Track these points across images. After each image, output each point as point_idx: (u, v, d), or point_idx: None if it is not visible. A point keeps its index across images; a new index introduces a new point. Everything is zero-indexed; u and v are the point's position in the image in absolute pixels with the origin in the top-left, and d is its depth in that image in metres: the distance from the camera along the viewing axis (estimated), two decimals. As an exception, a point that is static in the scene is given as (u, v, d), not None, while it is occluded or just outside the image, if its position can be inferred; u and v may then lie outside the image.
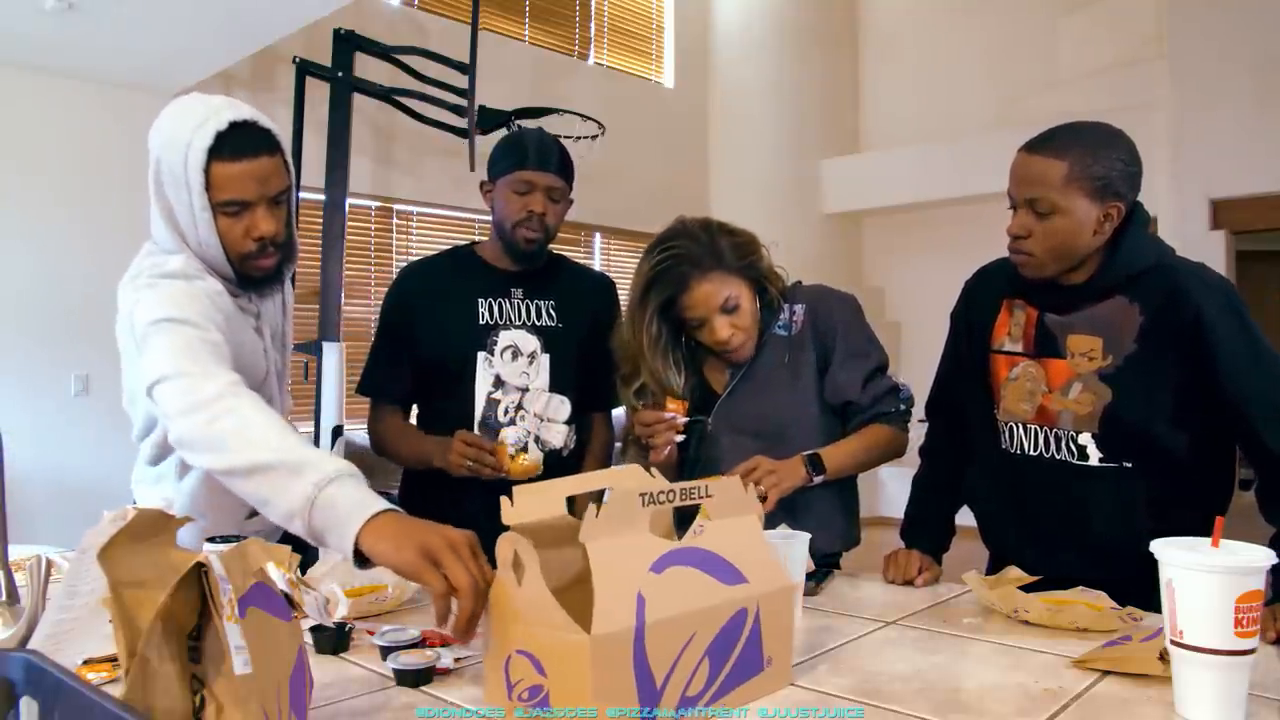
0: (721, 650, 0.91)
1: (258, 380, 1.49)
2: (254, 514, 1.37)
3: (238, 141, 1.32)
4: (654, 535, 0.93)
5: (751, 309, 1.65)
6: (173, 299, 1.32)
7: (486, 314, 1.82)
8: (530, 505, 0.98)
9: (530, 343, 1.82)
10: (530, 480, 1.35)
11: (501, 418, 1.80)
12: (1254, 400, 1.34)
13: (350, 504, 1.04)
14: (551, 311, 1.85)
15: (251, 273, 1.41)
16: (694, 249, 1.60)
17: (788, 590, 0.99)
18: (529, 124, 4.41)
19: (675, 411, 1.57)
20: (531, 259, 1.83)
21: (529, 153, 1.78)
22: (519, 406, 1.81)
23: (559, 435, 1.83)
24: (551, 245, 1.96)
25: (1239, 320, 1.36)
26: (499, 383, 1.81)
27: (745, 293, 1.63)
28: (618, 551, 0.88)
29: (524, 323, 1.83)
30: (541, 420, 1.82)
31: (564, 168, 1.81)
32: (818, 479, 1.57)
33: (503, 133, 4.49)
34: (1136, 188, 1.40)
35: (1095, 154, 1.36)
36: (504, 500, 0.97)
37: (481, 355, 1.80)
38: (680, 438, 1.58)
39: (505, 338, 1.81)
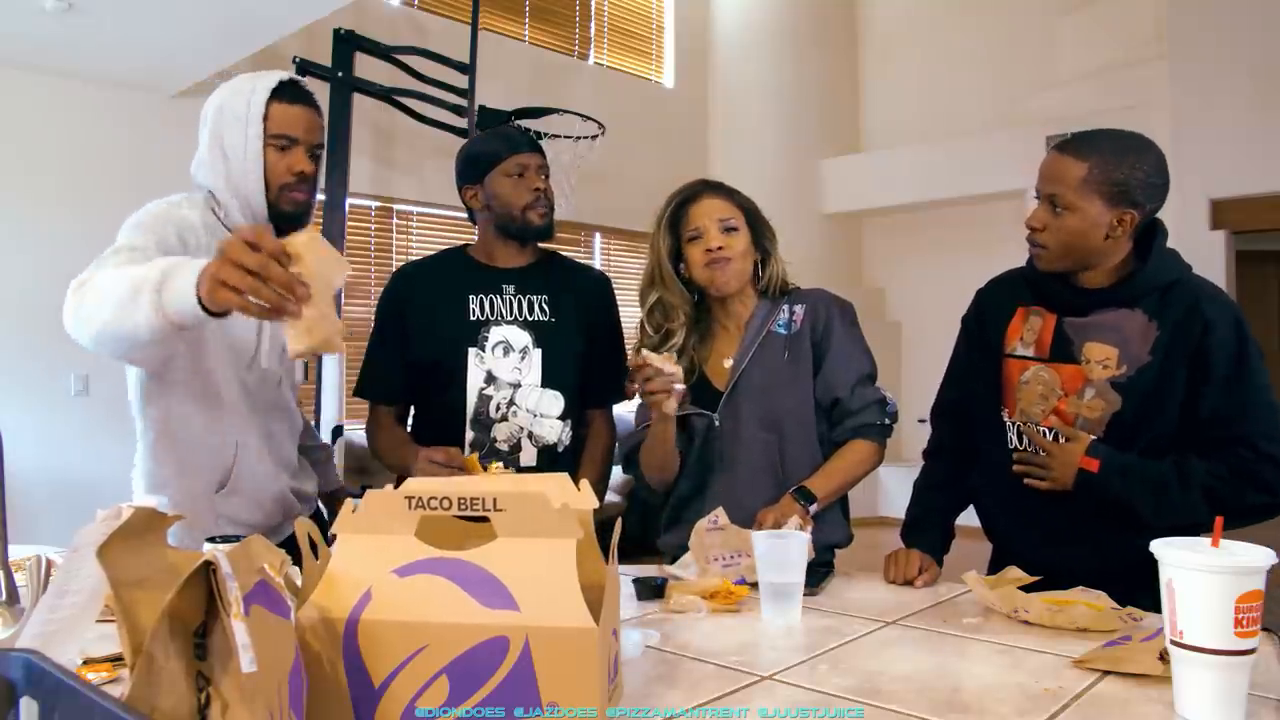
0: (467, 674, 0.83)
1: (246, 346, 1.58)
2: (223, 487, 1.56)
3: (294, 92, 1.58)
4: (416, 540, 0.88)
5: (746, 249, 1.73)
6: (139, 223, 1.47)
7: (478, 310, 1.82)
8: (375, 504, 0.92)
9: (522, 338, 1.82)
10: None
11: (494, 414, 1.80)
12: (1234, 421, 1.39)
13: (184, 282, 1.18)
14: (544, 306, 1.85)
15: (284, 205, 1.57)
16: (714, 183, 1.79)
17: (585, 633, 0.82)
18: (529, 124, 4.42)
19: (667, 361, 1.55)
20: (548, 234, 1.87)
21: (512, 139, 1.85)
22: (511, 402, 1.80)
23: (552, 431, 1.83)
24: (550, 244, 1.96)
25: (1241, 342, 1.41)
26: (491, 378, 1.80)
27: (744, 231, 1.73)
28: (365, 547, 0.88)
29: (515, 318, 1.83)
30: (534, 416, 1.81)
31: (538, 146, 1.90)
32: (813, 509, 1.62)
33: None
34: (1157, 199, 1.44)
35: (1118, 160, 1.40)
36: (349, 500, 0.95)
37: (473, 351, 1.80)
38: (680, 387, 1.56)
39: (496, 333, 1.81)
